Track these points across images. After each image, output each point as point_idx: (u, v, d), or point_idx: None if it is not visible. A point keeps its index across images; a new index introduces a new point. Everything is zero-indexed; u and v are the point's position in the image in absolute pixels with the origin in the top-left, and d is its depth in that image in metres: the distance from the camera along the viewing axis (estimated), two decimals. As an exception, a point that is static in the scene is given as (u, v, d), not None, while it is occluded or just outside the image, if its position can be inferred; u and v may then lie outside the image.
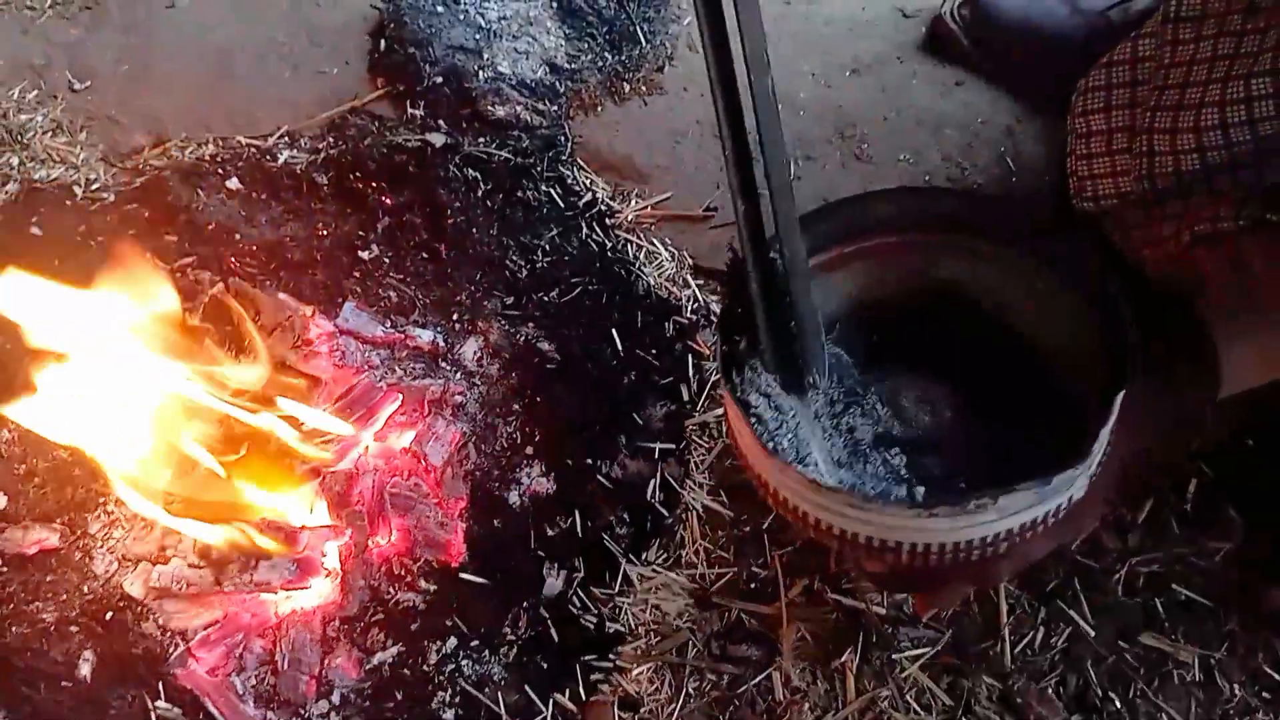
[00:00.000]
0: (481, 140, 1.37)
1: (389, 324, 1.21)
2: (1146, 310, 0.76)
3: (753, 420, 0.75)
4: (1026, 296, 0.84)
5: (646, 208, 1.33)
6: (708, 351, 1.18)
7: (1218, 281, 0.85)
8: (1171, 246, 0.99)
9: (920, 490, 0.78)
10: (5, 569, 1.06)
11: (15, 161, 1.38)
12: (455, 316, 1.23)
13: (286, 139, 1.39)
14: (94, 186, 1.35)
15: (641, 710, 0.99)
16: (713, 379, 1.17)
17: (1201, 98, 0.95)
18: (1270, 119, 0.91)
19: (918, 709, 0.98)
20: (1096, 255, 0.79)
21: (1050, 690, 0.98)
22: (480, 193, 1.32)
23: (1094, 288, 0.78)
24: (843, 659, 1.00)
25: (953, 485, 0.79)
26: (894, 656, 1.00)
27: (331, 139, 1.39)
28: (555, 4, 1.49)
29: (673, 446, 1.13)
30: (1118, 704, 0.97)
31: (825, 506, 0.71)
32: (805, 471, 0.74)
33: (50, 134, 1.42)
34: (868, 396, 0.83)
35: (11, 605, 1.04)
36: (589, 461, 1.11)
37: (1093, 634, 1.00)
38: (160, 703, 0.99)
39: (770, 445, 0.75)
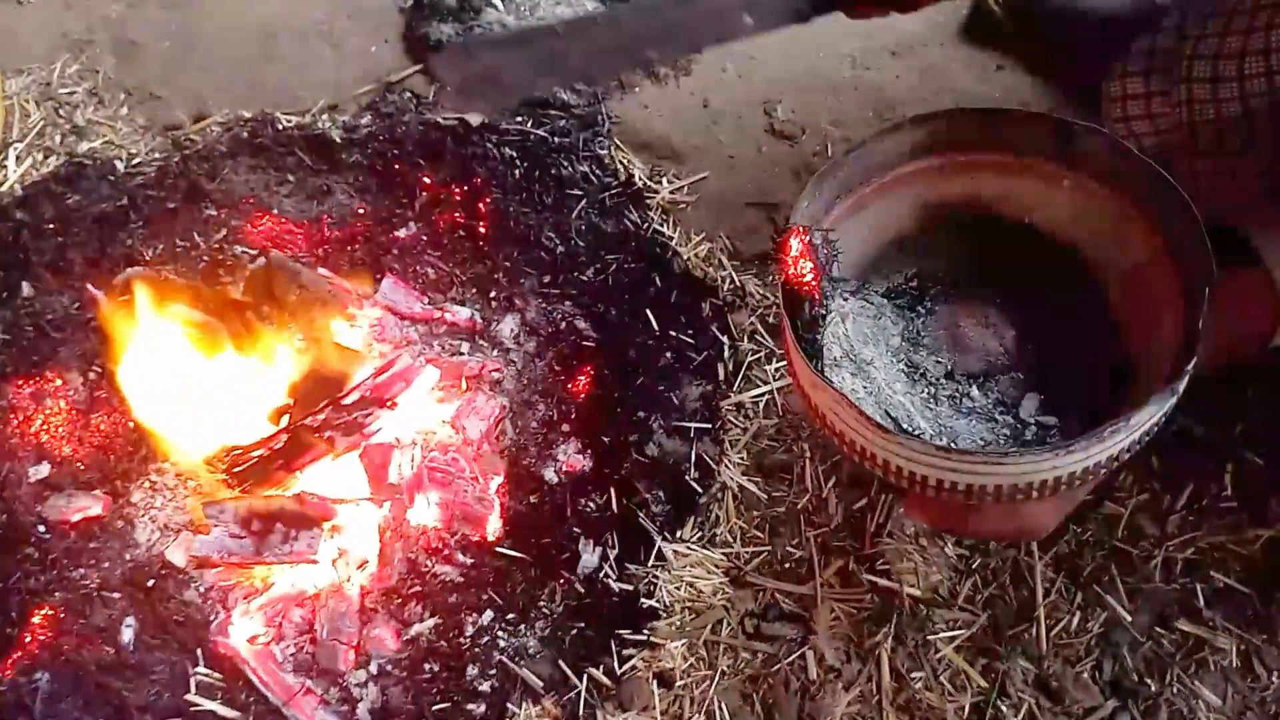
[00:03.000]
0: (519, 119, 1.37)
1: (427, 300, 1.22)
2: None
3: (851, 393, 0.73)
4: (1062, 206, 0.81)
5: (683, 188, 1.33)
6: (744, 329, 1.19)
7: None
8: (1235, 192, 0.96)
9: (1046, 427, 0.76)
10: (49, 536, 1.07)
11: (58, 136, 1.39)
12: (492, 294, 1.23)
13: (326, 116, 1.39)
14: (135, 161, 1.36)
15: (676, 686, 0.99)
16: (748, 360, 1.17)
17: (1244, 46, 0.93)
18: None
19: (952, 690, 0.98)
20: (1139, 157, 0.76)
21: (1086, 675, 0.98)
22: (517, 171, 1.32)
23: (1142, 188, 0.75)
24: (876, 639, 1.00)
25: (1025, 403, 0.78)
26: (928, 638, 1.00)
27: (370, 116, 1.39)
28: (593, -17, 1.49)
29: (708, 426, 1.13)
30: (1154, 689, 0.97)
31: (954, 469, 0.68)
32: (933, 440, 0.72)
33: (92, 108, 1.43)
34: (926, 335, 0.81)
35: (55, 571, 1.05)
36: (625, 439, 1.12)
37: (1129, 619, 1.00)
38: (200, 669, 1.01)
39: (876, 419, 0.70)
